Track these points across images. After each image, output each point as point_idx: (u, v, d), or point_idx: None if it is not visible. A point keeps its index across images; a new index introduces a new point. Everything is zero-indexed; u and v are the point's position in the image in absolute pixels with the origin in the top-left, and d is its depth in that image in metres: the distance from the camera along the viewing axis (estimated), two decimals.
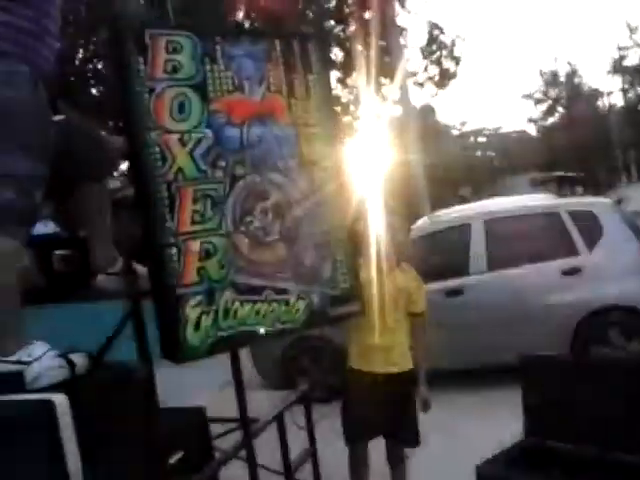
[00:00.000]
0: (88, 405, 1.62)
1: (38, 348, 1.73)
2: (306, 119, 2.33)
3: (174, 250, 1.96)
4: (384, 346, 3.13)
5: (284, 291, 2.19)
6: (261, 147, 2.20)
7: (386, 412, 3.16)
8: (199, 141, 2.05)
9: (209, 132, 2.08)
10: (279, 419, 2.78)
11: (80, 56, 9.58)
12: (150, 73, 1.98)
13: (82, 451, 1.54)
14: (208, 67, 2.10)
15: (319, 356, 5.37)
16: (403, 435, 3.29)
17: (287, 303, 2.20)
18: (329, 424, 3.41)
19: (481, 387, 5.19)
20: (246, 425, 2.48)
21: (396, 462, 3.34)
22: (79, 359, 1.73)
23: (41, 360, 1.68)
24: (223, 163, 2.10)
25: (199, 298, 1.99)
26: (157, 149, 1.97)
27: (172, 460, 2.42)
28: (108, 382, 1.80)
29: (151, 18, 2.34)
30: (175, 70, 2.03)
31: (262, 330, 2.11)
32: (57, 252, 2.05)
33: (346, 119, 14.86)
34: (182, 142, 2.02)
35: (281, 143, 2.25)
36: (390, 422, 3.20)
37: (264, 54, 2.24)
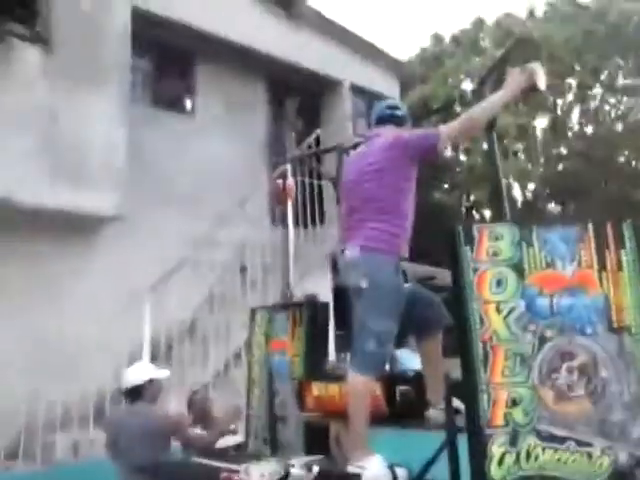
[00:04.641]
0: None
1: (375, 459, 2.41)
2: (617, 289, 2.62)
3: (485, 396, 2.46)
4: None
5: (587, 444, 2.45)
6: (570, 315, 2.58)
7: None
8: (512, 309, 2.57)
9: (522, 302, 2.58)
10: None
11: None
12: (475, 257, 2.62)
13: None
14: (525, 250, 2.64)
15: None
16: None
17: (590, 456, 2.44)
18: None
19: None
20: None
21: None
22: (401, 472, 2.34)
23: (374, 469, 2.34)
24: (533, 327, 2.55)
25: (504, 439, 2.42)
26: (477, 315, 2.55)
27: None
28: None
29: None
30: (495, 254, 2.63)
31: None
32: (399, 387, 2.74)
33: None
34: (498, 310, 2.57)
35: (590, 311, 2.59)
36: None
37: (576, 236, 2.67)
